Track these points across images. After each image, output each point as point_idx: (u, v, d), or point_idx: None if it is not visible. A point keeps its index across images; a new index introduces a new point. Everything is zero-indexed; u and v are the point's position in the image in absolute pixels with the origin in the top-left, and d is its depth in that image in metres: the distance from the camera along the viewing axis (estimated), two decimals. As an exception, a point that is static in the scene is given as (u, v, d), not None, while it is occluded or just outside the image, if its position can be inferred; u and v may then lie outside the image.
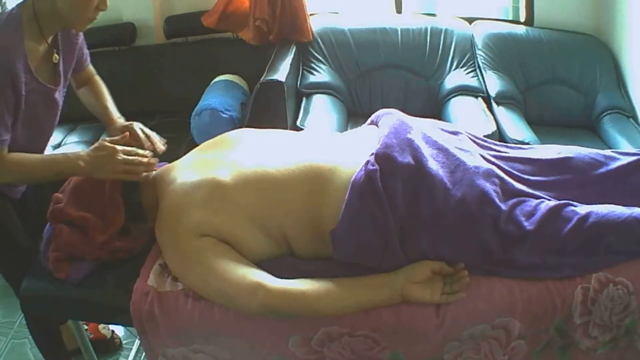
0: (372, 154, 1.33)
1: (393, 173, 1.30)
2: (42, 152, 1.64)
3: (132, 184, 1.45)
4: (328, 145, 1.46)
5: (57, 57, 1.56)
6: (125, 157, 1.42)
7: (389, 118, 1.49)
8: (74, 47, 1.65)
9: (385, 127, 1.44)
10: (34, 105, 1.49)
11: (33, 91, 1.47)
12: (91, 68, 1.80)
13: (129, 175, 1.42)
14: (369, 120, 1.62)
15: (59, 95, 1.60)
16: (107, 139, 1.48)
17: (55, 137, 2.80)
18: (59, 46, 1.57)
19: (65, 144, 2.84)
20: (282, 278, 1.25)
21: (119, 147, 1.42)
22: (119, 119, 1.69)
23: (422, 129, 1.43)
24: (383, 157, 1.31)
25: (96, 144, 1.44)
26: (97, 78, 1.80)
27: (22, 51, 1.42)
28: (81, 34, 1.65)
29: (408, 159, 1.32)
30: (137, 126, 1.60)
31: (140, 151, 1.46)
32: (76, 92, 1.81)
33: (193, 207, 1.32)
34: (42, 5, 1.45)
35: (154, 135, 1.59)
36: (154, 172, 1.50)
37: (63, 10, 1.44)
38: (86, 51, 1.75)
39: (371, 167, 1.29)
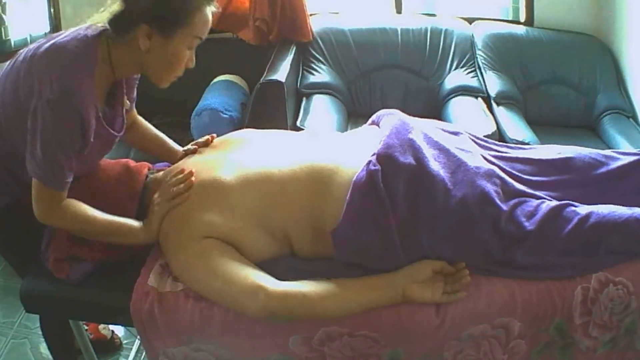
0: (373, 154, 1.33)
1: (394, 173, 1.30)
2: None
3: (143, 188, 1.46)
4: (330, 145, 1.46)
5: (128, 103, 1.48)
6: (172, 190, 1.36)
7: (390, 118, 1.49)
8: (134, 88, 1.54)
9: (386, 128, 1.44)
10: (92, 148, 1.35)
11: (97, 135, 1.33)
12: (134, 110, 1.65)
13: (180, 198, 1.36)
14: (370, 120, 1.62)
15: (117, 140, 1.48)
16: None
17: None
18: (124, 88, 1.46)
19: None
20: (282, 278, 1.25)
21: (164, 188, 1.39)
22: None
23: (423, 130, 1.44)
24: (385, 157, 1.31)
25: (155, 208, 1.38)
26: (141, 119, 1.68)
27: (94, 95, 1.29)
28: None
29: (409, 159, 1.32)
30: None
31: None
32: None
33: (198, 210, 1.31)
34: (120, 52, 1.32)
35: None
36: (159, 174, 1.50)
37: (149, 66, 1.35)
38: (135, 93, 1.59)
39: (373, 167, 1.29)
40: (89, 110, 1.26)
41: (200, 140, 1.60)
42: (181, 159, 1.58)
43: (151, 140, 1.69)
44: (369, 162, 1.31)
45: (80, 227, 1.35)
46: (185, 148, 1.62)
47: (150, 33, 1.29)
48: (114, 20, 1.29)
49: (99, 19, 1.31)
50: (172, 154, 1.66)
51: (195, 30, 1.34)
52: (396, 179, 1.29)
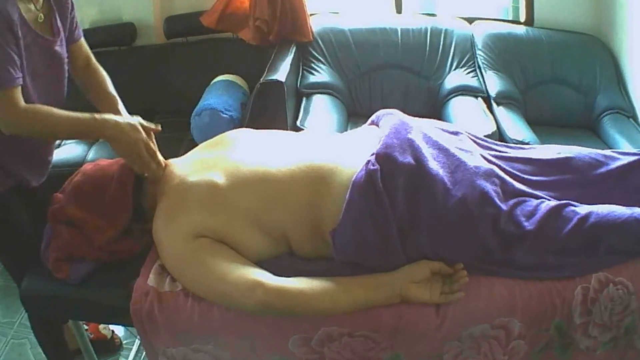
0: (372, 154, 1.33)
1: (394, 173, 1.29)
2: None
3: (139, 185, 1.45)
4: (329, 145, 1.46)
5: (42, 16, 1.50)
6: (148, 145, 1.41)
7: (390, 118, 1.49)
8: (66, 7, 1.60)
9: (386, 127, 1.44)
10: (35, 59, 1.46)
11: (32, 44, 1.43)
12: (86, 46, 1.73)
13: (139, 164, 1.41)
14: (369, 121, 1.62)
15: (61, 49, 1.56)
16: (143, 122, 1.48)
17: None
18: (52, 5, 1.53)
19: (65, 144, 2.84)
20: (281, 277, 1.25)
21: (145, 136, 1.43)
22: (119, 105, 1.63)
23: (422, 129, 1.44)
24: (384, 157, 1.31)
25: (130, 120, 1.44)
26: (96, 65, 1.73)
27: (15, 3, 1.38)
28: (71, 2, 1.62)
29: (409, 159, 1.32)
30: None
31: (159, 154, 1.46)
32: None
33: (189, 208, 1.32)
34: None
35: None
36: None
37: None
38: (78, 22, 1.68)
39: (372, 167, 1.29)
40: (10, 13, 1.35)
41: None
42: None
43: (103, 98, 1.67)
44: (368, 161, 1.31)
45: (44, 129, 1.42)
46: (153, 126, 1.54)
47: None
48: None
49: None
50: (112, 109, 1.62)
51: None
52: (395, 179, 1.29)
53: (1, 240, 1.65)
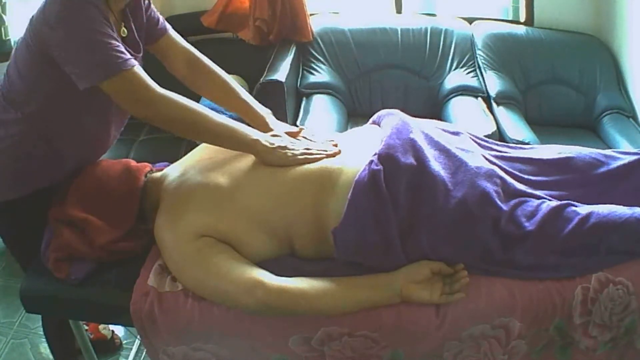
0: (375, 154, 1.33)
1: (396, 173, 1.30)
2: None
3: (143, 187, 1.45)
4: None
5: (126, 30, 1.41)
6: (303, 153, 1.37)
7: (392, 118, 1.49)
8: (141, 10, 1.48)
9: (387, 128, 1.44)
10: None
11: None
12: (179, 39, 1.58)
13: (306, 159, 1.36)
14: (370, 120, 1.62)
15: (140, 63, 1.45)
16: (276, 125, 1.46)
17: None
18: (129, 17, 1.43)
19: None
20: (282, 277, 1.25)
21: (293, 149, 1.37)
22: (268, 115, 1.54)
23: (423, 130, 1.44)
24: (386, 158, 1.31)
25: (270, 139, 1.38)
26: (199, 57, 1.60)
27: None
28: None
29: (410, 159, 1.32)
30: (306, 132, 1.49)
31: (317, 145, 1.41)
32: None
33: (193, 208, 1.32)
34: None
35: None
36: (157, 174, 1.50)
37: None
38: (159, 15, 1.54)
39: (375, 167, 1.29)
40: (102, 7, 1.24)
41: (292, 131, 1.51)
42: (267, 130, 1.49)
43: (219, 88, 1.59)
44: (371, 161, 1.31)
45: (187, 118, 1.32)
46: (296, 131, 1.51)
47: None
48: None
49: None
50: (249, 112, 1.55)
51: None
52: (398, 179, 1.29)
53: (21, 242, 1.64)
